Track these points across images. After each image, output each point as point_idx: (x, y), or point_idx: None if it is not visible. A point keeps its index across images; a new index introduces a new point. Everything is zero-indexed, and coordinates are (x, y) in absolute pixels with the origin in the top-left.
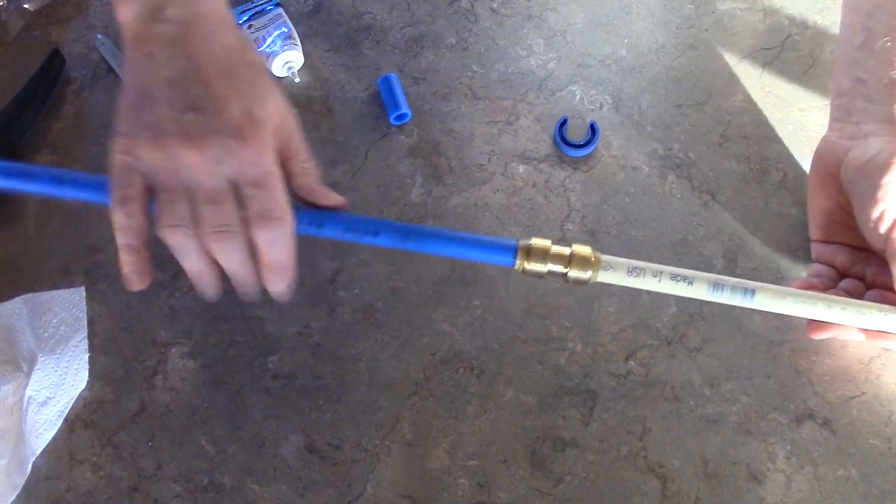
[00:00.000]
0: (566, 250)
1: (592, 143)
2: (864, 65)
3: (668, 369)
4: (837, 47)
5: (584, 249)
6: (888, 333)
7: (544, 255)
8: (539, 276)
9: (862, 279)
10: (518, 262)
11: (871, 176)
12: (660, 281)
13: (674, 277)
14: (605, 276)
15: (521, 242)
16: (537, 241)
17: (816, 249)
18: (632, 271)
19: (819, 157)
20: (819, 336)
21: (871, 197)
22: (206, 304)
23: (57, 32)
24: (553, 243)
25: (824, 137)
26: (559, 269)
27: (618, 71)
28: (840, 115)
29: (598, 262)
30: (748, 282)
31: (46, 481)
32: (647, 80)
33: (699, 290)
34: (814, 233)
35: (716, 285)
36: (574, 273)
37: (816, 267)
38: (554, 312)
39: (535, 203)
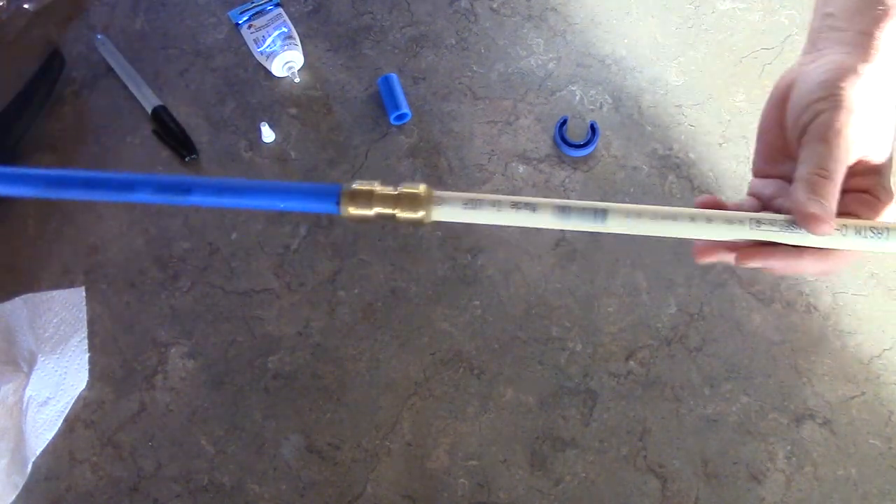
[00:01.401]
0: (393, 190)
1: (592, 143)
2: (831, 1)
3: (668, 369)
4: None
5: (413, 187)
6: (762, 251)
7: (369, 198)
8: (366, 220)
9: (781, 210)
10: (342, 207)
11: (812, 78)
12: (499, 210)
13: (515, 205)
14: (439, 213)
15: (345, 186)
16: (361, 184)
17: (751, 184)
18: (468, 203)
19: (776, 84)
20: (703, 260)
21: (803, 94)
22: (206, 304)
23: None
24: (381, 184)
25: (785, 70)
26: (387, 211)
27: (618, 71)
28: (806, 49)
29: (429, 197)
30: (599, 203)
31: (46, 481)
32: (647, 80)
33: (543, 217)
34: (754, 166)
35: (563, 209)
36: (403, 214)
37: (742, 199)
38: (554, 312)
39: None
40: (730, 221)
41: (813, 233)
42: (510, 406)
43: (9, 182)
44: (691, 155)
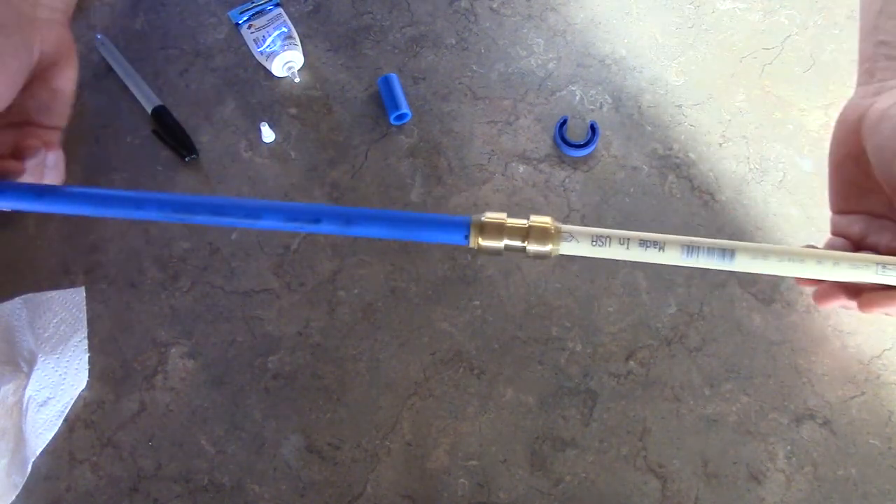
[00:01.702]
0: (523, 223)
1: (592, 143)
2: (883, 28)
3: (668, 369)
4: (860, 19)
5: (542, 220)
6: (885, 298)
7: (499, 230)
8: (496, 252)
9: (876, 249)
10: (472, 239)
11: (893, 119)
12: (628, 248)
13: (643, 244)
14: (567, 248)
15: (474, 218)
16: (491, 216)
17: (833, 222)
18: (596, 240)
19: (841, 121)
20: (823, 305)
21: (890, 136)
22: (206, 304)
23: None
24: (509, 216)
25: (848, 102)
26: (517, 243)
27: (618, 71)
28: (863, 80)
29: (558, 232)
30: (726, 241)
31: (46, 481)
32: (647, 80)
33: (672, 255)
34: (832, 204)
35: (690, 249)
36: (533, 247)
37: (831, 239)
38: (554, 312)
39: (535, 203)
40: (855, 265)
41: None
42: (510, 406)
43: (130, 206)
44: (691, 155)
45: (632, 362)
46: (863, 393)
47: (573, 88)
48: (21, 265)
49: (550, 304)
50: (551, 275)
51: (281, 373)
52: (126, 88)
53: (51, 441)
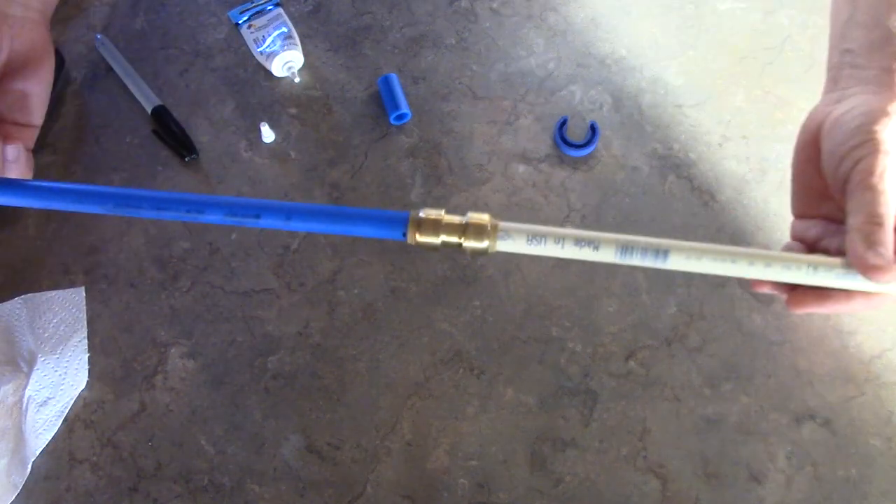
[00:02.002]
0: (460, 219)
1: (592, 143)
2: (850, 36)
3: (668, 369)
4: (830, 27)
5: (480, 217)
6: (814, 298)
7: (436, 227)
8: (433, 248)
9: (828, 252)
10: (409, 235)
11: (844, 124)
12: (563, 247)
13: (578, 242)
14: (503, 245)
15: (412, 214)
16: (428, 212)
17: (793, 226)
18: (532, 239)
19: (804, 125)
20: (758, 289)
21: (839, 142)
22: (206, 304)
23: (57, 32)
24: (447, 212)
25: (812, 109)
26: (453, 239)
27: (618, 71)
28: (828, 87)
29: (495, 229)
30: (661, 240)
31: (46, 481)
32: (647, 80)
33: (606, 254)
34: (793, 207)
35: (625, 248)
36: (469, 243)
37: (788, 243)
38: (554, 312)
39: (535, 203)
40: (787, 266)
41: (877, 282)
42: (510, 406)
43: (77, 199)
44: (691, 155)
45: (632, 362)
46: (863, 393)
47: (573, 88)
48: (21, 265)
49: (550, 304)
50: (551, 275)
51: (281, 373)
52: (126, 88)
53: (51, 441)
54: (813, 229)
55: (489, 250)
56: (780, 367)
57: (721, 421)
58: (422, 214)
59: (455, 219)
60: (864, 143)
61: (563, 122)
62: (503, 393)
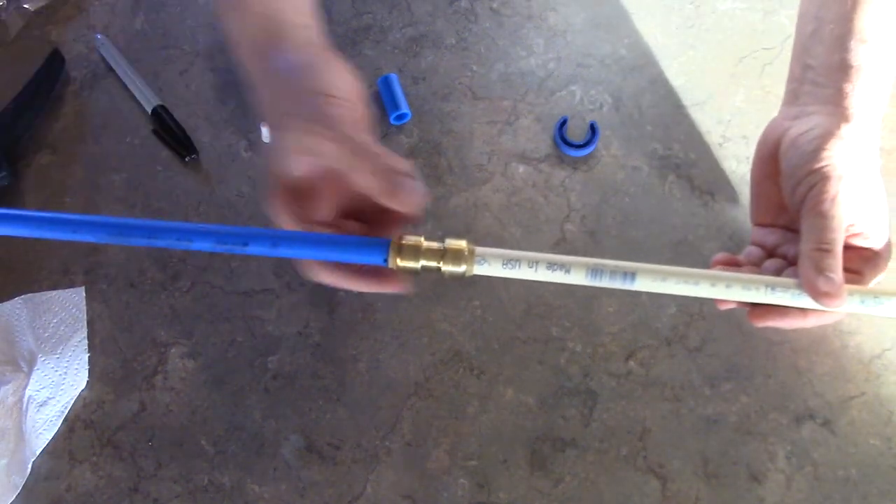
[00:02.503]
0: (439, 245)
1: (592, 143)
2: (812, 51)
3: (668, 369)
4: (795, 36)
5: (457, 244)
6: (774, 312)
7: (416, 252)
8: (413, 272)
9: (785, 258)
10: (391, 260)
11: (800, 147)
12: (536, 271)
13: (550, 266)
14: (480, 269)
15: (393, 240)
16: (409, 238)
17: (753, 233)
18: (507, 263)
19: (762, 138)
20: (722, 307)
21: (796, 166)
22: (206, 304)
23: (57, 32)
24: (426, 239)
25: (771, 121)
26: (432, 264)
27: (618, 71)
28: (789, 99)
29: (471, 254)
30: (628, 264)
31: (46, 481)
32: (647, 80)
33: (577, 276)
34: (752, 216)
35: (594, 271)
36: (447, 267)
37: (748, 248)
38: (554, 312)
39: (535, 203)
40: (746, 287)
41: (826, 307)
42: (510, 406)
43: (67, 229)
44: (691, 155)
45: (632, 362)
46: (863, 393)
47: (573, 88)
48: (21, 265)
49: (550, 304)
50: None
51: (281, 373)
52: (126, 88)
53: (51, 441)
54: (771, 236)
55: (466, 274)
56: (780, 367)
57: (721, 421)
58: (403, 241)
59: (434, 245)
60: (817, 170)
61: (563, 122)
62: (503, 393)
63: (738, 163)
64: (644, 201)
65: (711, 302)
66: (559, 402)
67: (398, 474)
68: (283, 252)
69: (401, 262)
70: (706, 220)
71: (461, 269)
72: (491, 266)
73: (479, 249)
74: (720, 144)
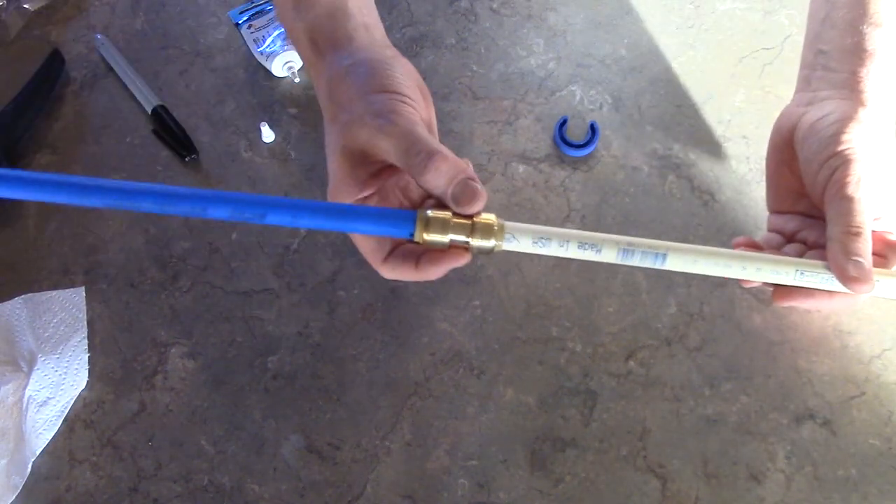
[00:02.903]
0: (467, 220)
1: (592, 143)
2: (824, 36)
3: (668, 369)
4: (807, 23)
5: (487, 218)
6: (799, 293)
7: (444, 225)
8: (441, 246)
9: (806, 243)
10: (417, 233)
11: (819, 132)
12: (566, 249)
13: (581, 245)
14: (509, 245)
15: (420, 212)
16: (437, 212)
17: (770, 220)
18: (537, 240)
19: (776, 126)
20: (746, 286)
21: (815, 151)
22: (206, 304)
23: (57, 32)
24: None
25: (784, 108)
26: (461, 238)
27: (618, 71)
28: (801, 86)
29: (501, 229)
30: (660, 242)
31: (46, 481)
32: (647, 80)
33: (608, 255)
34: (769, 204)
35: (626, 251)
36: (477, 242)
37: (766, 235)
38: (554, 312)
39: (535, 203)
40: (777, 269)
41: (856, 293)
42: (510, 406)
43: (79, 192)
44: (691, 155)
45: (632, 362)
46: (863, 393)
47: (573, 88)
48: (21, 265)
49: (550, 304)
50: (551, 275)
51: (281, 373)
52: (126, 88)
53: (51, 441)
54: (791, 223)
55: (495, 249)
56: (780, 367)
57: (721, 421)
58: (430, 213)
59: (462, 220)
60: (839, 153)
61: (563, 122)
62: (503, 393)
63: (738, 163)
64: (644, 201)
65: (712, 302)
66: (559, 402)
67: (398, 474)
68: (304, 223)
69: (427, 236)
70: (706, 220)
71: (490, 243)
72: (520, 242)
73: (508, 224)
74: (720, 144)
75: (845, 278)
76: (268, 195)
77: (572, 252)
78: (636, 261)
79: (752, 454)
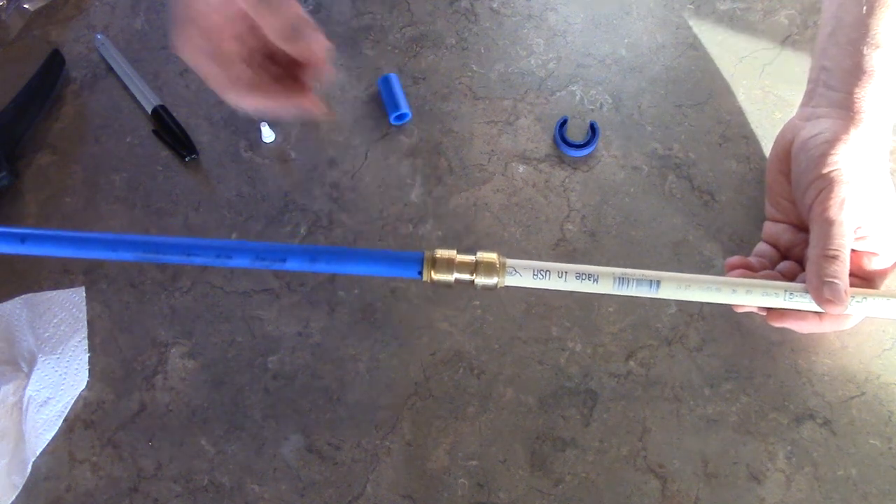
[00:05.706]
0: (471, 258)
1: (592, 143)
2: (828, 53)
3: (668, 369)
4: (818, 35)
5: (488, 256)
6: (792, 315)
7: (449, 265)
8: (447, 285)
9: (800, 261)
10: (425, 273)
11: (810, 151)
12: (566, 281)
13: (579, 276)
14: (511, 280)
15: (427, 253)
16: (442, 252)
17: (766, 228)
18: (537, 274)
19: (779, 137)
20: (739, 310)
21: (805, 170)
22: (206, 304)
23: (57, 32)
24: (459, 252)
25: (788, 121)
26: (466, 276)
27: (618, 71)
28: (805, 100)
29: (503, 267)
30: (652, 273)
31: (46, 481)
32: (647, 80)
33: (605, 286)
34: (767, 212)
35: (621, 280)
36: (481, 280)
37: (760, 246)
38: (554, 312)
39: (535, 203)
40: (766, 293)
41: (830, 312)
42: (510, 406)
43: (105, 247)
44: (691, 155)
45: (632, 362)
46: (863, 393)
47: (573, 88)
48: (21, 265)
49: (550, 304)
50: None
51: (281, 373)
52: (126, 88)
53: (51, 441)
54: (785, 235)
55: (498, 286)
56: (780, 367)
57: (721, 421)
58: (436, 254)
59: (466, 258)
60: (825, 175)
61: (563, 122)
62: (503, 393)
63: (738, 163)
64: (644, 201)
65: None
66: (559, 402)
67: (398, 474)
68: (322, 267)
69: (435, 276)
70: (706, 220)
71: (493, 280)
72: (522, 277)
73: (510, 262)
74: (720, 144)
75: (820, 299)
76: (286, 244)
77: (571, 284)
78: (632, 289)
79: (752, 454)
